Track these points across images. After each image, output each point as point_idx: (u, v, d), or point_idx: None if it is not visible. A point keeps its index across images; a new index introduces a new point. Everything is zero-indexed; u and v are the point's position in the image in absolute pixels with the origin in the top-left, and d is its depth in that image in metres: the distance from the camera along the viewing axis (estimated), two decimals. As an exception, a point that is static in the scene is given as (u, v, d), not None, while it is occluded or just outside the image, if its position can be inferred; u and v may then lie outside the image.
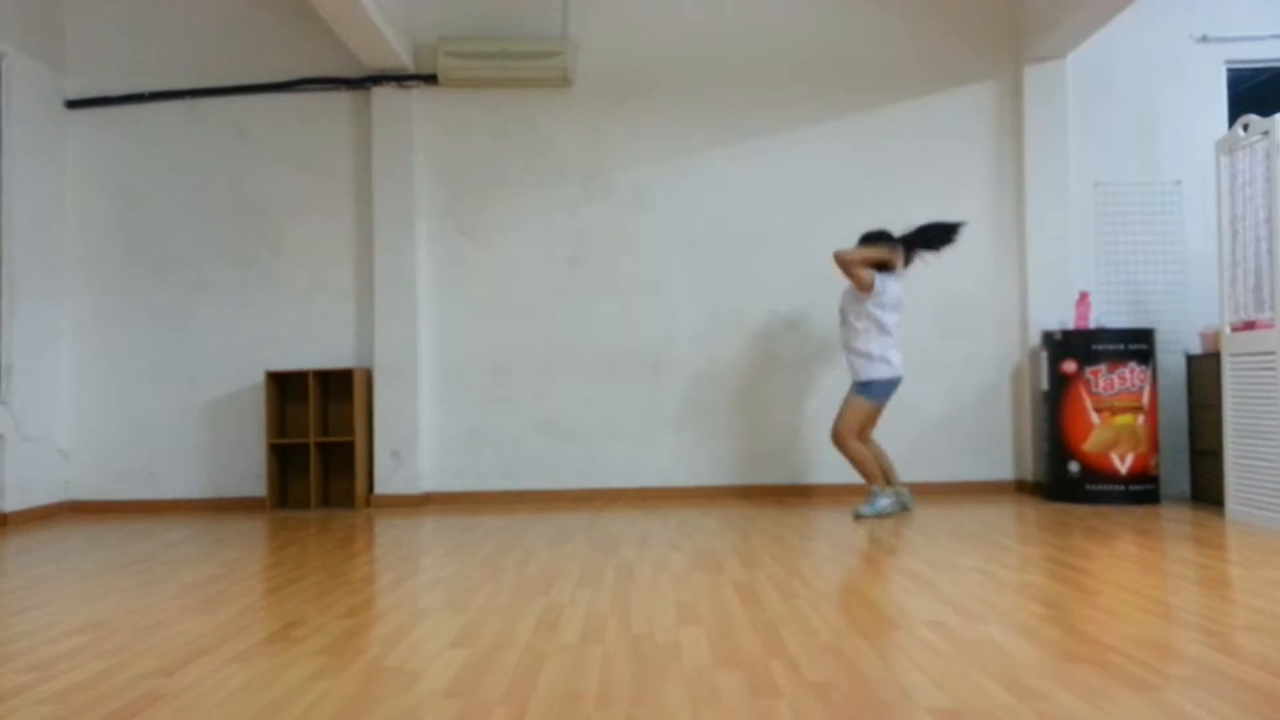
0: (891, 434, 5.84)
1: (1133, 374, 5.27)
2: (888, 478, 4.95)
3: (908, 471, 5.85)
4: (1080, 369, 5.32)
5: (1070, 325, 5.59)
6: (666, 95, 5.94)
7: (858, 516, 4.83)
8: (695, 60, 5.95)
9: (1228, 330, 4.71)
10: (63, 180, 5.90)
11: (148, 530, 4.97)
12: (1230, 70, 5.89)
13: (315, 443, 5.74)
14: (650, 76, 5.95)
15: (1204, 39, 5.85)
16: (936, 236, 4.80)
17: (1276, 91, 5.97)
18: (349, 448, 5.81)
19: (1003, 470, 5.87)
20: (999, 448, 5.87)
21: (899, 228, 5.83)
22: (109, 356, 5.92)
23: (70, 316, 5.91)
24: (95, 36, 5.97)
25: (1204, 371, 5.28)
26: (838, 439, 4.83)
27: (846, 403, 4.84)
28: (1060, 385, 5.38)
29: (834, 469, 5.84)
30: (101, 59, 5.97)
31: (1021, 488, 5.83)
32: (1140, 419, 5.26)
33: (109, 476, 5.88)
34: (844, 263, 4.71)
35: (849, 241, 5.88)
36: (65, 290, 5.89)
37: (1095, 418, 5.28)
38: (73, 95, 5.93)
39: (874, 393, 4.80)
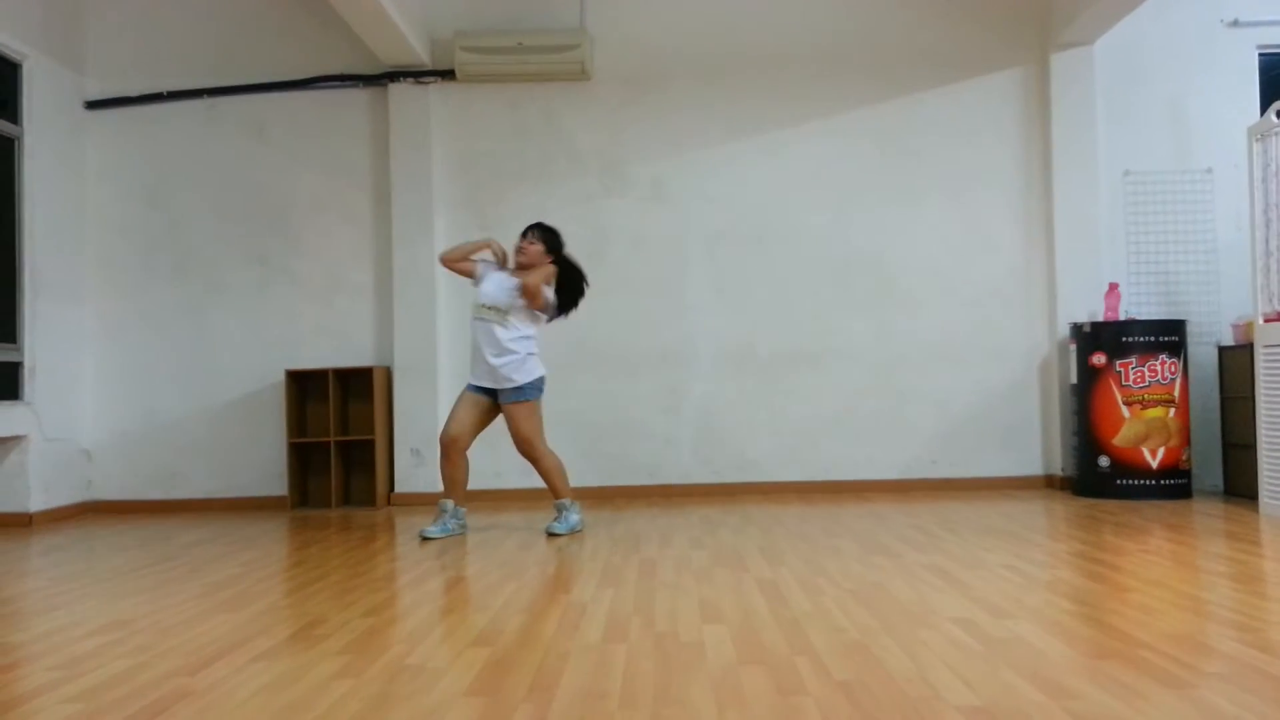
0: (918, 428, 5.81)
1: (1163, 366, 5.18)
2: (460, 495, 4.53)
3: (935, 467, 5.80)
4: (1110, 361, 5.24)
5: (1099, 317, 5.52)
6: (686, 87, 5.90)
7: (550, 533, 4.40)
8: (714, 51, 5.91)
9: (1261, 321, 4.63)
10: (83, 181, 5.93)
11: (170, 530, 5.00)
12: (1262, 55, 5.79)
13: (335, 441, 5.75)
14: (669, 68, 5.91)
15: (1235, 23, 5.75)
16: (574, 287, 4.46)
17: (1309, 77, 5.86)
18: (369, 446, 5.82)
19: (1031, 465, 5.79)
20: (1027, 442, 5.80)
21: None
22: (130, 357, 5.96)
23: (92, 317, 5.95)
24: (114, 37, 6.00)
25: (1236, 363, 5.20)
26: (535, 449, 4.38)
27: (521, 412, 4.32)
28: (1090, 378, 5.30)
29: (860, 465, 5.80)
30: (120, 60, 6.00)
31: (1051, 483, 5.75)
32: (1171, 412, 5.18)
33: (131, 476, 5.92)
34: (535, 293, 4.30)
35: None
36: (86, 291, 5.93)
37: (1125, 411, 5.20)
38: (92, 96, 5.97)
39: (540, 388, 4.41)
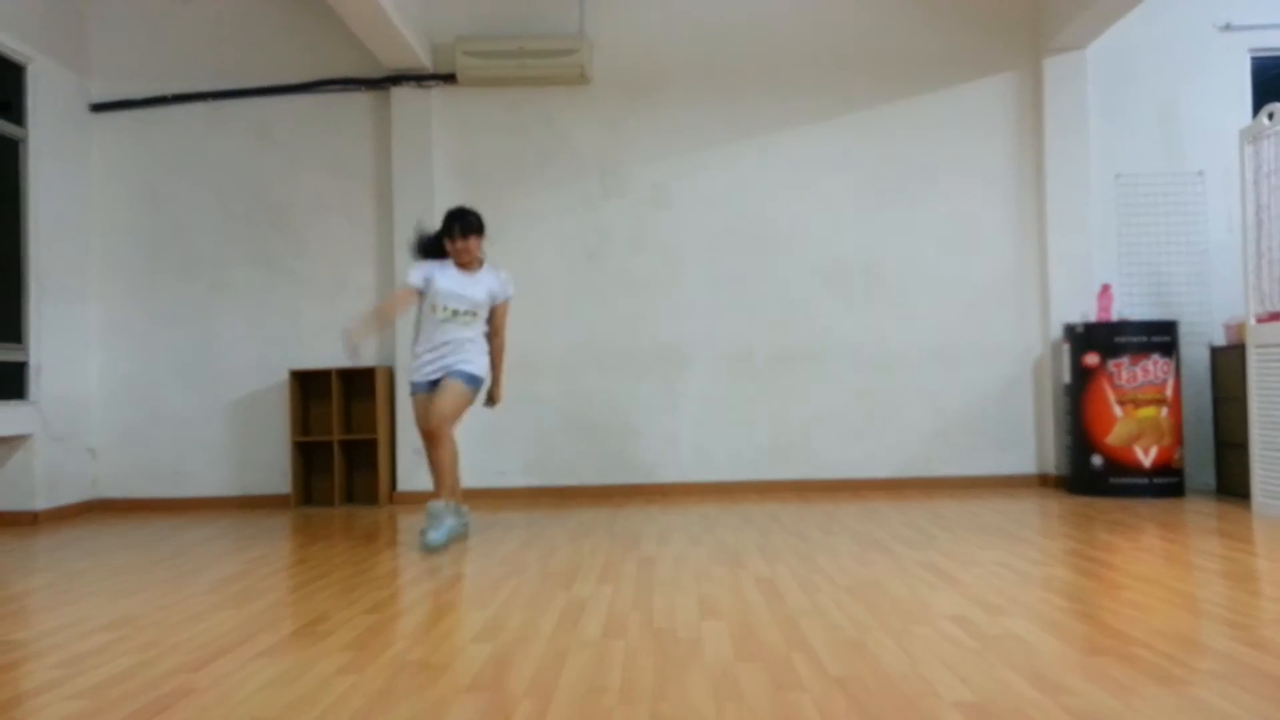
0: (914, 427, 5.84)
1: (1156, 366, 5.22)
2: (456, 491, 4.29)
3: (929, 466, 5.84)
4: (1103, 361, 5.28)
5: (1092, 317, 5.55)
6: (684, 91, 5.94)
7: (430, 547, 4.06)
8: (712, 55, 5.95)
9: (1253, 321, 4.67)
10: (88, 183, 5.97)
11: (175, 528, 5.03)
12: (1254, 58, 5.82)
13: (338, 440, 5.79)
14: (668, 72, 5.95)
15: (1227, 27, 5.78)
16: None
17: (1301, 79, 5.90)
18: (372, 445, 5.85)
19: (1025, 464, 5.83)
20: (1021, 441, 5.84)
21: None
22: (135, 356, 5.99)
23: (97, 317, 5.98)
24: (119, 41, 6.03)
25: (1228, 363, 5.23)
26: (444, 429, 4.12)
27: (457, 389, 4.14)
28: (1082, 378, 5.34)
29: (856, 464, 5.83)
30: (125, 63, 6.03)
31: (1044, 481, 5.79)
32: (1164, 411, 5.22)
33: (136, 475, 5.95)
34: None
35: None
36: (92, 291, 5.96)
37: (1118, 410, 5.24)
38: (97, 99, 6.00)
39: (479, 387, 4.28)
